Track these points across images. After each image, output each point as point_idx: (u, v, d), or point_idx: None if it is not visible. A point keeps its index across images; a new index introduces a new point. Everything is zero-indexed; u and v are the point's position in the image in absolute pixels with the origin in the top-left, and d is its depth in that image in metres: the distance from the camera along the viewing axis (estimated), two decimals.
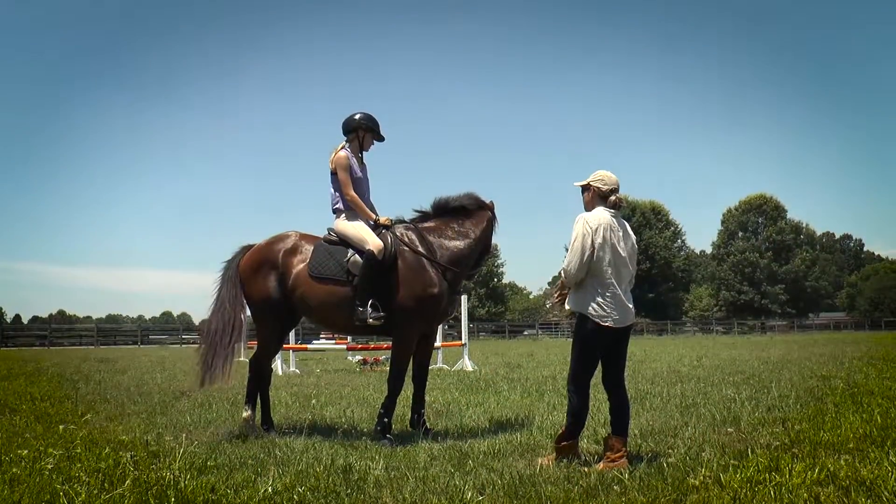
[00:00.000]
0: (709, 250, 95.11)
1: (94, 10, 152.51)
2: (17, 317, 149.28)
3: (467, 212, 6.75)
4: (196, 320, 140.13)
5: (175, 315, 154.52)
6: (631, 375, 11.49)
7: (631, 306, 5.12)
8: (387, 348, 13.24)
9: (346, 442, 6.07)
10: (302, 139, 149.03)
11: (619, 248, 5.08)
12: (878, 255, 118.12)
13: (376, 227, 6.65)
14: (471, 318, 21.30)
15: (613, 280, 5.02)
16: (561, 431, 5.29)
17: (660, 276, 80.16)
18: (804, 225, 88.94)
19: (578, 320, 5.11)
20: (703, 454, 5.10)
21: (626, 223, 5.25)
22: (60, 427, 6.71)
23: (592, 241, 4.98)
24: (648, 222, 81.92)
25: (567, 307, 5.17)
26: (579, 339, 5.13)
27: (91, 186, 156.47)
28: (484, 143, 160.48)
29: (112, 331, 64.82)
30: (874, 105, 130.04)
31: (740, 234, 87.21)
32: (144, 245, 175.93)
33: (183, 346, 49.82)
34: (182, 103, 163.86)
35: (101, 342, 50.07)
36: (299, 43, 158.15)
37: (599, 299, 5.00)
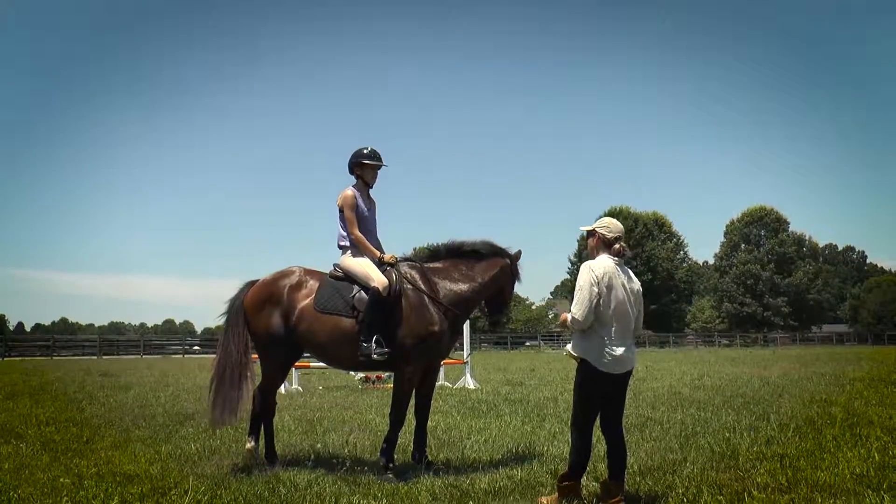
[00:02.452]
0: (711, 262, 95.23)
1: (110, 17, 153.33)
2: (21, 325, 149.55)
3: (480, 256, 6.84)
4: (198, 328, 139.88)
5: (178, 323, 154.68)
6: (632, 398, 11.55)
7: (632, 354, 5.21)
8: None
9: (349, 476, 6.14)
10: (313, 155, 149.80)
11: (623, 296, 5.16)
12: (882, 268, 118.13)
13: (381, 264, 6.75)
14: (472, 328, 21.24)
15: (617, 327, 5.10)
16: (564, 471, 5.36)
17: (662, 288, 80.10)
18: (807, 237, 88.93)
19: (581, 365, 5.19)
20: (702, 497, 5.17)
21: (630, 271, 5.32)
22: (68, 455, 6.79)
23: (599, 290, 5.06)
24: (651, 233, 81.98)
25: (570, 352, 5.25)
26: (579, 383, 5.21)
27: (94, 193, 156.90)
28: (487, 152, 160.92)
29: (114, 342, 65.06)
30: (877, 117, 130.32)
31: (743, 245, 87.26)
32: (146, 253, 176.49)
33: (185, 356, 50.00)
34: (188, 113, 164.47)
35: (104, 352, 50.14)
36: (330, 58, 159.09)
37: (602, 346, 5.08)
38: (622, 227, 5.35)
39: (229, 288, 7.36)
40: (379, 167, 7.08)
